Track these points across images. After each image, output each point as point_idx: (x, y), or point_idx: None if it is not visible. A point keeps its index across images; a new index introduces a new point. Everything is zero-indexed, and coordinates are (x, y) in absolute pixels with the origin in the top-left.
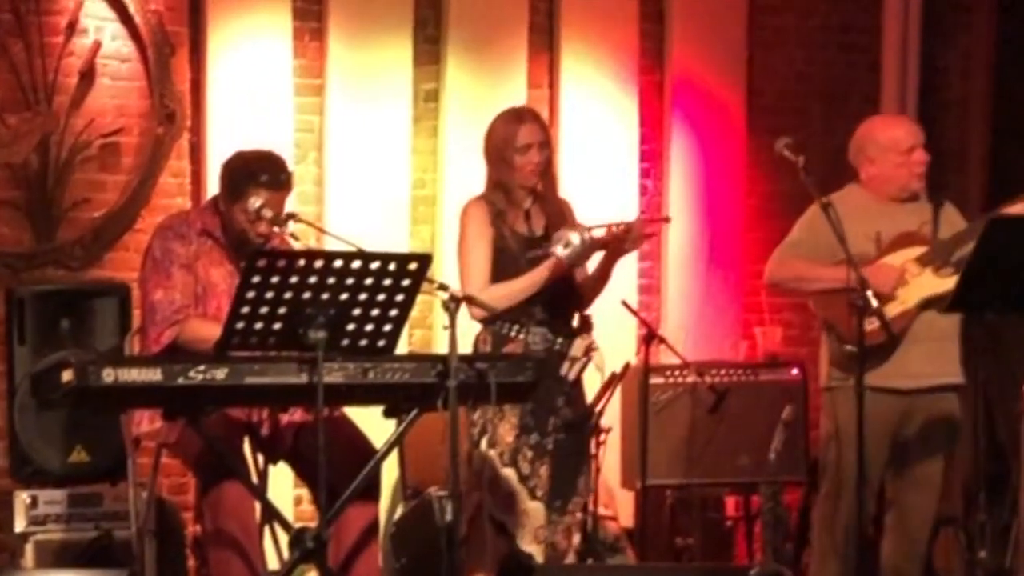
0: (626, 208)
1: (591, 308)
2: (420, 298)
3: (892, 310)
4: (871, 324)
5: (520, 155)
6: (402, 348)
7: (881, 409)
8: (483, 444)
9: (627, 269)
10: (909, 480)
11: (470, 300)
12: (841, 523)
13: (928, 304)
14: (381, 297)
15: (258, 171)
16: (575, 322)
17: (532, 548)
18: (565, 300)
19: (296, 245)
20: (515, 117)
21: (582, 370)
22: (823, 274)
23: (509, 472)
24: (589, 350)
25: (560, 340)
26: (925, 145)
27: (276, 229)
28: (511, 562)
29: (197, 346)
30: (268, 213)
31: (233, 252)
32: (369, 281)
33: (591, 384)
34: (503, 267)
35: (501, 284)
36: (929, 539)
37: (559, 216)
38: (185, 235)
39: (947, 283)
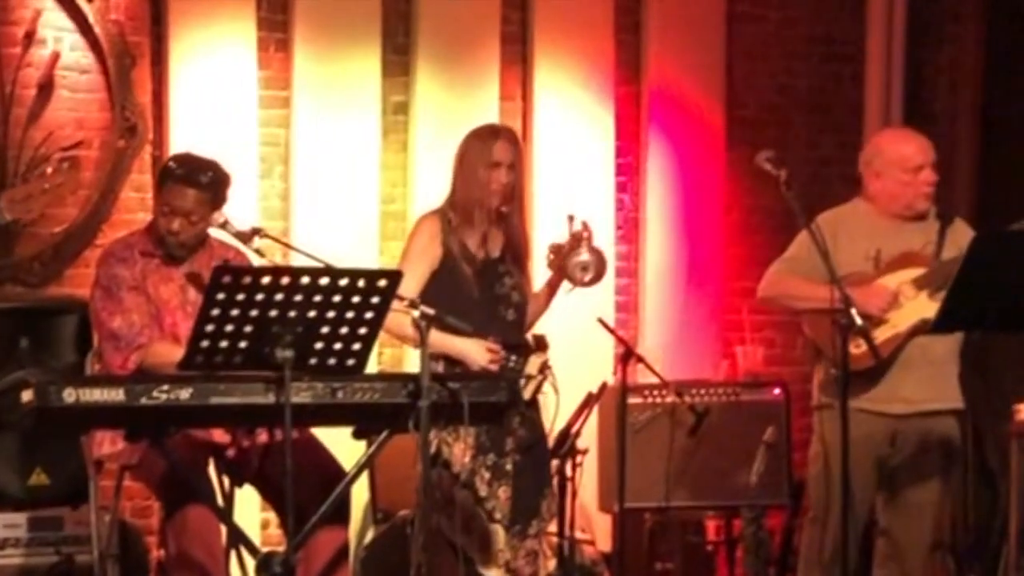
0: (602, 223)
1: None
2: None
3: (883, 333)
4: (859, 347)
5: (490, 171)
6: (372, 367)
7: (868, 431)
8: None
9: (604, 286)
10: (902, 507)
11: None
12: (828, 547)
13: (920, 329)
14: (350, 315)
15: (175, 166)
16: (530, 340)
17: (492, 572)
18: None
19: (262, 262)
20: (491, 132)
21: (538, 389)
22: (811, 293)
23: (465, 494)
24: (544, 368)
25: (514, 358)
26: (935, 164)
27: (230, 239)
28: None
29: (163, 370)
30: (221, 218)
31: (176, 264)
32: (337, 298)
33: (553, 406)
34: (452, 286)
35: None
36: (923, 567)
37: (519, 241)
38: (128, 258)
39: None
